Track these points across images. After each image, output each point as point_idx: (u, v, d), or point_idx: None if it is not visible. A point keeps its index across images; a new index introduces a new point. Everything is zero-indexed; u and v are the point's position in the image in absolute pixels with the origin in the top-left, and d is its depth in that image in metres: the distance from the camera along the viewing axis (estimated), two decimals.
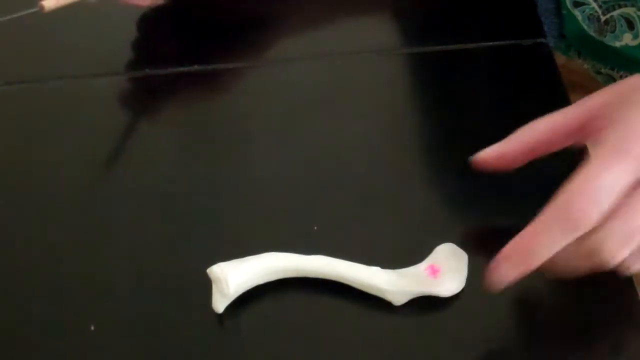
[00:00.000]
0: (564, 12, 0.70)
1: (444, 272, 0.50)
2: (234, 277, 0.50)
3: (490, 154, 0.50)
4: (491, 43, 0.67)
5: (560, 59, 0.69)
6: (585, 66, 0.73)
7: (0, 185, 0.61)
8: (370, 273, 0.51)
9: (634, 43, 0.65)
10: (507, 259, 0.45)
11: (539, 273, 0.51)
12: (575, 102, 0.61)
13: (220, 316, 0.51)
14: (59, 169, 0.61)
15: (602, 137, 0.44)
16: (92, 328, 0.51)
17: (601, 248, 0.44)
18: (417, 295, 0.50)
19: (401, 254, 0.53)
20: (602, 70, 0.71)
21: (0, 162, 0.63)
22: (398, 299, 0.50)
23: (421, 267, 0.51)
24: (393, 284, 0.50)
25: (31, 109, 0.67)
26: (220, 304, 0.51)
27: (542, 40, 0.67)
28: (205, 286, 0.52)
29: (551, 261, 0.45)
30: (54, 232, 0.57)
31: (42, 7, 0.53)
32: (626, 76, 0.69)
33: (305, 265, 0.51)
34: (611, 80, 0.70)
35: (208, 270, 0.51)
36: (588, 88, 0.75)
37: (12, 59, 0.71)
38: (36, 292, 0.54)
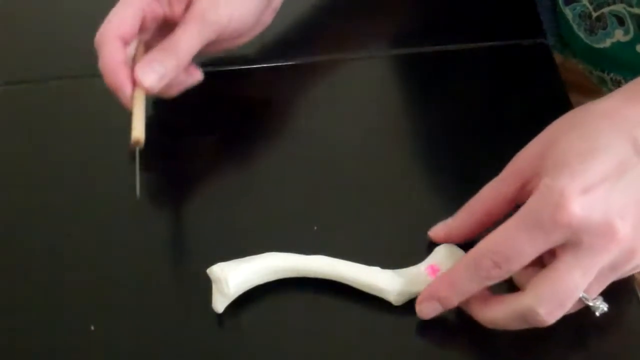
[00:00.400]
0: (557, 11, 0.70)
1: (443, 272, 0.50)
2: (234, 277, 0.50)
3: (442, 230, 0.53)
4: (491, 43, 0.67)
5: (557, 58, 0.69)
6: (581, 66, 0.73)
7: (0, 185, 0.61)
8: (370, 273, 0.51)
9: (626, 39, 0.65)
10: (427, 300, 0.49)
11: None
12: (574, 102, 0.62)
13: (220, 316, 0.51)
14: (59, 168, 0.61)
15: (526, 203, 0.46)
16: (92, 328, 0.51)
17: (536, 313, 0.45)
18: (417, 295, 0.50)
19: (401, 254, 0.53)
20: (594, 72, 0.71)
21: (0, 162, 0.63)
22: (398, 299, 0.50)
23: (421, 267, 0.51)
24: (393, 284, 0.50)
25: (31, 109, 0.67)
26: (220, 304, 0.51)
27: (542, 40, 0.67)
28: (205, 286, 0.52)
29: (493, 323, 0.48)
30: (54, 232, 0.57)
31: (137, 142, 0.54)
32: (616, 78, 0.69)
33: (306, 265, 0.52)
34: (602, 81, 0.71)
35: (208, 271, 0.51)
36: (585, 87, 0.75)
37: (12, 59, 0.71)
38: (36, 292, 0.54)
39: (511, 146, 0.57)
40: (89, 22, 0.70)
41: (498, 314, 0.47)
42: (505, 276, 0.46)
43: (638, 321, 0.51)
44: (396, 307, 0.51)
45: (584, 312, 0.48)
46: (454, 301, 0.48)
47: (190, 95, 0.65)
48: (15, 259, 0.56)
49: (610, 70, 0.69)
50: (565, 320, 0.46)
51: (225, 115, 0.64)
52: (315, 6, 0.71)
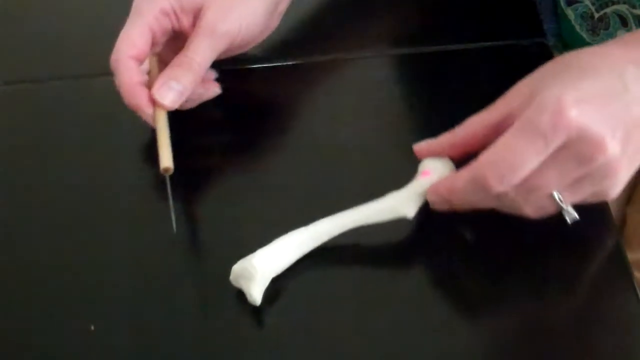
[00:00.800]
0: (559, 11, 0.70)
1: (433, 173, 0.53)
2: (260, 260, 0.50)
3: (426, 145, 0.54)
4: (491, 43, 0.67)
5: None
6: None
7: (0, 185, 0.61)
8: (379, 200, 0.53)
9: None
10: (432, 194, 0.52)
11: (541, 275, 0.51)
12: None
13: (220, 316, 0.51)
14: (59, 169, 0.61)
15: (523, 115, 0.47)
16: (92, 328, 0.51)
17: (484, 176, 0.47)
18: (424, 200, 0.52)
19: (402, 251, 0.53)
20: None
21: (0, 162, 0.63)
22: (410, 209, 0.52)
23: (418, 178, 0.53)
24: (401, 196, 0.52)
25: (31, 109, 0.67)
26: (257, 293, 0.50)
27: (542, 40, 0.67)
28: (205, 286, 0.52)
29: (452, 192, 0.50)
30: (54, 232, 0.57)
31: (166, 170, 0.54)
32: None
33: (325, 226, 0.52)
34: None
35: (232, 271, 0.51)
36: None
37: (12, 59, 0.71)
38: (36, 292, 0.54)
39: None
40: (89, 22, 0.70)
41: (457, 181, 0.50)
42: (507, 189, 0.47)
43: (638, 321, 0.51)
44: (395, 306, 0.51)
45: (584, 311, 0.48)
46: (456, 206, 0.51)
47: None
48: (15, 259, 0.56)
49: None
50: (565, 319, 0.46)
51: (224, 115, 0.64)
52: (315, 6, 0.71)
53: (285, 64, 0.67)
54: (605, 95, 0.46)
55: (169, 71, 0.58)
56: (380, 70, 0.67)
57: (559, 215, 0.50)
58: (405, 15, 0.71)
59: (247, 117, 0.64)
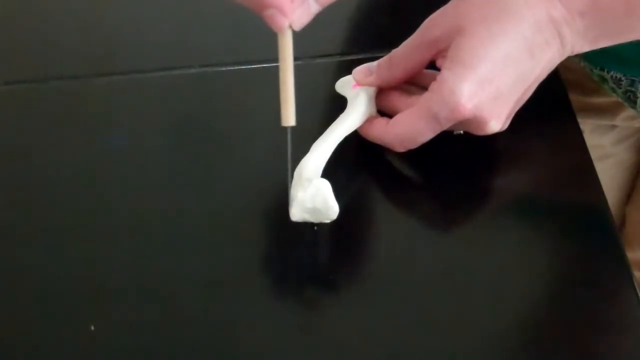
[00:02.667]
0: None
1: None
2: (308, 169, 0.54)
3: (365, 77, 0.60)
4: None
5: None
6: (581, 64, 0.73)
7: (0, 185, 0.61)
8: (352, 110, 0.59)
9: None
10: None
11: (541, 276, 0.51)
12: (574, 100, 0.62)
13: (219, 317, 0.51)
14: (59, 169, 0.61)
15: (426, 96, 0.55)
16: (92, 328, 0.51)
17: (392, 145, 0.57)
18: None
19: (401, 248, 0.53)
20: (594, 70, 0.71)
21: (0, 162, 0.63)
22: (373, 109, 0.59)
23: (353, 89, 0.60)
24: (362, 99, 0.59)
25: (31, 109, 0.67)
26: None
27: None
28: (205, 286, 0.52)
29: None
30: (53, 232, 0.57)
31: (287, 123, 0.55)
32: (616, 76, 0.69)
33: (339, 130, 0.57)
34: (603, 80, 0.70)
35: (297, 203, 0.52)
36: (585, 86, 0.75)
37: (12, 59, 0.71)
38: (36, 292, 0.54)
39: (510, 144, 0.57)
40: (89, 22, 0.70)
41: (372, 136, 0.58)
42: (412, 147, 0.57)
43: (638, 321, 0.51)
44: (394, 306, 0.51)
45: (584, 311, 0.47)
46: None
47: (190, 94, 0.65)
48: (15, 259, 0.56)
49: (611, 69, 0.69)
50: (565, 318, 0.46)
51: (225, 114, 0.64)
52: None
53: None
54: (503, 75, 0.53)
55: None
56: None
57: (557, 215, 0.50)
58: (406, 15, 0.71)
59: (247, 116, 0.64)
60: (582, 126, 0.60)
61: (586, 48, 0.55)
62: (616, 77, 0.69)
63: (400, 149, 0.57)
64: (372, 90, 0.59)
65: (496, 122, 0.55)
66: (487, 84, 0.53)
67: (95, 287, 0.54)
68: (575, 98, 0.61)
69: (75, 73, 0.68)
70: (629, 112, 0.77)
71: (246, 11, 0.70)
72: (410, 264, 0.53)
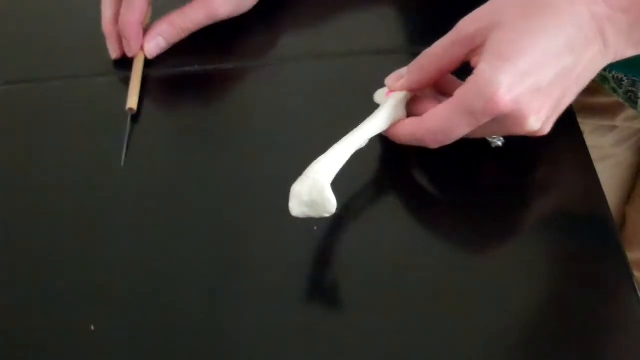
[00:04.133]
0: None
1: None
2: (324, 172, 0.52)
3: (397, 83, 0.58)
4: None
5: None
6: None
7: (0, 185, 0.61)
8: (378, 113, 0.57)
9: None
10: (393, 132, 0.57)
11: (541, 276, 0.51)
12: (574, 101, 0.62)
13: (219, 317, 0.51)
14: (59, 169, 0.61)
15: (463, 89, 0.53)
16: (92, 328, 0.51)
17: (423, 141, 0.55)
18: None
19: (401, 245, 0.53)
20: None
21: (0, 162, 0.63)
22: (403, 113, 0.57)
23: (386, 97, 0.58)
24: (390, 105, 0.57)
25: (31, 109, 0.67)
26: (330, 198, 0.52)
27: None
28: (204, 287, 0.52)
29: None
30: (53, 232, 0.57)
31: (131, 109, 0.63)
32: (618, 76, 0.69)
33: (360, 134, 0.55)
34: (604, 80, 0.71)
35: (296, 192, 0.51)
36: (586, 86, 0.75)
37: (12, 59, 0.71)
38: (36, 292, 0.54)
39: (511, 145, 0.57)
40: (88, 22, 0.70)
41: (401, 137, 0.56)
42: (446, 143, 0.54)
43: (638, 321, 0.51)
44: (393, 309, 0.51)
45: (584, 311, 0.47)
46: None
47: (189, 94, 0.65)
48: (15, 258, 0.56)
49: (612, 69, 0.69)
50: (565, 318, 0.46)
51: (225, 114, 0.64)
52: (315, 6, 0.71)
53: (285, 63, 0.67)
54: (543, 69, 0.51)
55: (162, 27, 0.66)
56: (381, 70, 0.67)
57: (557, 215, 0.50)
58: (406, 15, 0.71)
59: (247, 116, 0.64)
60: (582, 127, 0.60)
61: (630, 52, 0.53)
62: (618, 77, 0.69)
63: (434, 145, 0.54)
64: (401, 95, 0.57)
65: (536, 119, 0.52)
66: (527, 77, 0.51)
67: (95, 287, 0.54)
68: (575, 98, 0.61)
69: (75, 73, 0.68)
70: (629, 112, 0.77)
71: (246, 12, 0.70)
72: (410, 264, 0.53)
